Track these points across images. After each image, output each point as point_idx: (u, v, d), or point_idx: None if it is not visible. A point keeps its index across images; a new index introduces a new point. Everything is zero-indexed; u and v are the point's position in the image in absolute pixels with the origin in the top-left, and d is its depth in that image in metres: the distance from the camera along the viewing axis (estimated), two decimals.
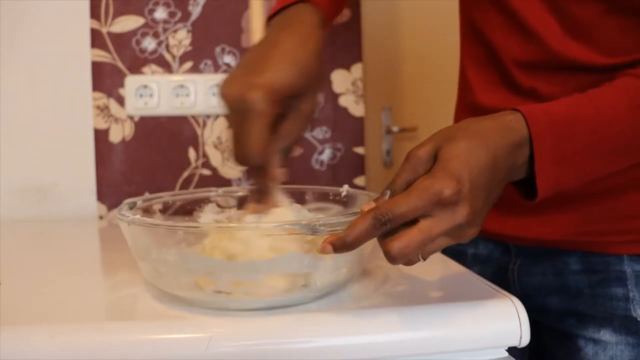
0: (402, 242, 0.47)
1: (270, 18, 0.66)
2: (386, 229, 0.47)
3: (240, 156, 0.56)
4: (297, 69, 0.58)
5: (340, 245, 0.48)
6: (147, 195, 0.73)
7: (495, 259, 0.81)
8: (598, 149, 0.57)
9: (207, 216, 0.71)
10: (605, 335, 0.69)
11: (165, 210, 0.71)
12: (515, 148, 0.53)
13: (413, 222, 0.48)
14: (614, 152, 0.58)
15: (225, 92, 0.56)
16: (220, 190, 0.74)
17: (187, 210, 0.72)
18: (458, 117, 0.85)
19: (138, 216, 0.58)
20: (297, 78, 0.58)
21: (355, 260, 0.60)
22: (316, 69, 0.60)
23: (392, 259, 0.47)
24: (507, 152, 0.52)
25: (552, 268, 0.75)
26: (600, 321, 0.70)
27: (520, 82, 0.71)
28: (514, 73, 0.71)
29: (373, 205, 0.49)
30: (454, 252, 0.80)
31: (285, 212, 0.59)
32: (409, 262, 0.49)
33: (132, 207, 0.63)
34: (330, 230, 0.50)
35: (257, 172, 0.58)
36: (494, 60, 0.74)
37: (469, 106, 0.79)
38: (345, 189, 0.69)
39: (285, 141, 0.59)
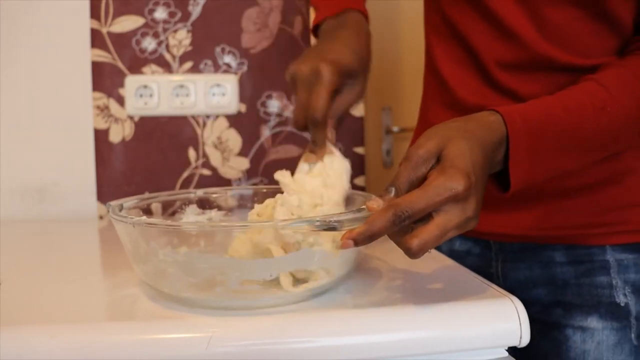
0: (421, 239, 0.50)
1: (316, 26, 0.78)
2: (405, 224, 0.50)
3: (302, 116, 0.67)
4: (354, 54, 0.70)
5: (362, 240, 0.50)
6: (145, 195, 0.73)
7: (476, 255, 0.84)
8: (566, 147, 0.62)
9: (188, 217, 0.72)
10: (592, 322, 0.73)
11: (147, 211, 0.71)
12: (497, 146, 0.58)
13: (426, 217, 0.51)
14: (580, 149, 0.63)
15: (297, 67, 0.68)
16: (200, 191, 0.75)
17: (170, 212, 0.74)
18: (433, 115, 0.84)
19: (144, 217, 0.58)
20: (354, 61, 0.69)
21: (355, 256, 0.61)
22: (367, 58, 0.72)
23: (413, 255, 0.51)
24: (492, 149, 0.58)
25: (538, 262, 0.77)
26: (587, 309, 0.73)
27: (500, 81, 0.74)
28: (495, 73, 0.74)
29: (379, 201, 0.52)
30: None
31: (335, 160, 0.67)
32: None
33: (120, 209, 0.64)
34: (348, 226, 0.52)
35: (317, 128, 0.67)
36: (473, 60, 0.76)
37: (447, 104, 0.80)
38: None
39: (339, 109, 0.70)
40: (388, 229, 0.50)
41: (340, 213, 0.55)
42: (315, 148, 0.67)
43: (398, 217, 0.49)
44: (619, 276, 0.73)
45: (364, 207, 0.54)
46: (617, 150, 0.68)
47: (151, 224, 0.55)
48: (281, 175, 0.66)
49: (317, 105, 0.65)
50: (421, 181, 0.53)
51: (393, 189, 0.53)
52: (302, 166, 0.67)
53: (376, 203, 0.52)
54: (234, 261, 0.56)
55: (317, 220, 0.52)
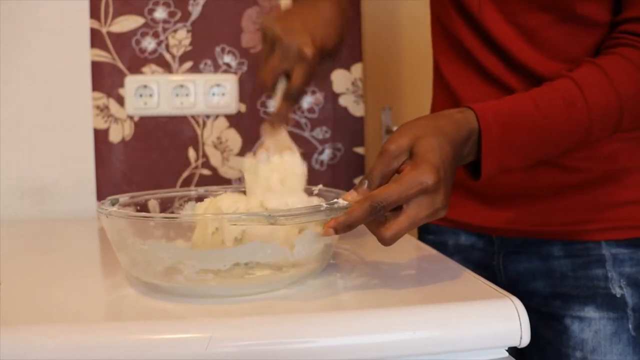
0: (393, 229, 0.56)
1: None
2: (380, 214, 0.56)
3: (272, 78, 0.69)
4: (336, 33, 0.72)
5: (342, 228, 0.56)
6: (140, 192, 0.75)
7: (479, 248, 0.87)
8: (538, 138, 0.66)
9: (186, 213, 0.75)
10: (590, 312, 0.76)
11: (144, 207, 0.73)
12: (465, 140, 0.63)
13: (398, 207, 0.56)
14: (551, 140, 0.67)
15: (281, 31, 0.69)
16: (201, 189, 0.78)
17: (168, 207, 0.76)
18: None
19: (115, 209, 0.63)
20: (335, 40, 0.72)
21: (322, 250, 0.63)
22: (345, 35, 0.74)
23: (385, 244, 0.57)
24: (461, 144, 0.62)
25: (537, 255, 0.81)
26: (584, 300, 0.76)
27: (501, 79, 0.77)
28: (495, 72, 0.77)
29: (354, 193, 0.58)
30: (435, 243, 0.89)
31: (294, 161, 0.68)
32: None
33: (114, 203, 0.68)
34: (290, 221, 0.56)
35: (289, 102, 0.70)
36: (472, 62, 0.80)
37: (447, 100, 0.84)
38: (318, 187, 0.73)
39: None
40: (365, 218, 0.55)
41: (289, 209, 0.59)
42: (275, 121, 0.70)
43: (374, 207, 0.55)
44: (614, 269, 0.75)
45: (320, 204, 0.59)
46: (592, 141, 0.70)
47: (139, 215, 0.62)
48: (247, 162, 0.69)
49: (298, 82, 0.68)
50: (392, 175, 0.59)
51: (366, 182, 0.58)
52: (261, 155, 0.69)
53: (350, 195, 0.58)
54: (191, 251, 0.60)
55: (264, 214, 0.56)
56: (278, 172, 0.67)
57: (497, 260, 0.85)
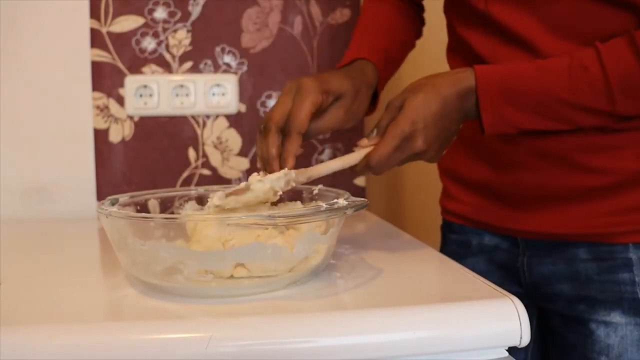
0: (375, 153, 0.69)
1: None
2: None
3: (281, 117, 0.70)
4: (346, 79, 0.75)
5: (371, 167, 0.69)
6: (140, 192, 0.75)
7: (504, 249, 0.86)
8: (540, 95, 0.69)
9: (186, 213, 0.74)
10: (616, 317, 0.75)
11: (144, 207, 0.74)
12: (463, 95, 0.70)
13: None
14: (557, 100, 0.68)
15: (288, 82, 0.73)
16: (201, 188, 0.78)
17: (168, 206, 0.77)
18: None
19: (115, 209, 0.64)
20: (344, 82, 0.75)
21: (322, 250, 0.63)
22: (362, 89, 0.77)
23: (371, 167, 0.68)
24: (455, 98, 0.69)
25: (562, 258, 0.79)
26: (610, 305, 0.75)
27: None
28: None
29: (365, 141, 0.71)
30: (458, 243, 0.89)
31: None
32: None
33: (114, 203, 0.68)
34: (290, 222, 0.59)
35: (290, 137, 0.70)
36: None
37: None
38: (318, 187, 0.73)
39: (316, 129, 0.73)
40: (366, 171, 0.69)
41: (289, 210, 0.60)
42: (283, 155, 0.70)
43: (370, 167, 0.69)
44: None
45: (320, 204, 0.60)
46: (622, 113, 0.69)
47: (139, 216, 0.62)
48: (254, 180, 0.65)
49: (299, 115, 0.70)
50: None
51: (375, 131, 0.70)
52: (255, 176, 0.66)
53: (363, 142, 0.71)
54: (191, 251, 0.60)
55: (262, 215, 0.56)
56: (236, 202, 0.64)
57: (521, 261, 0.83)
